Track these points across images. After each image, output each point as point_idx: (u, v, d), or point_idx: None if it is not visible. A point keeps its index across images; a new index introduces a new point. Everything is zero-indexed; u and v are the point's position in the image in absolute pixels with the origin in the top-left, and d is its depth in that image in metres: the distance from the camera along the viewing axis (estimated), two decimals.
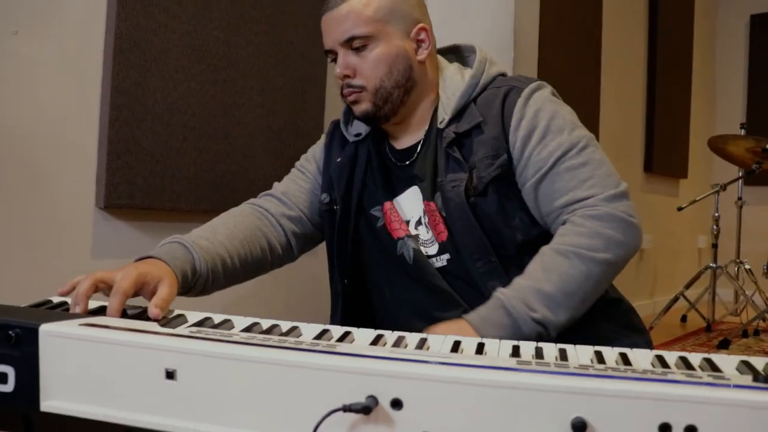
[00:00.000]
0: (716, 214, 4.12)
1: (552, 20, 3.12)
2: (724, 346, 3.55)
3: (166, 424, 0.73)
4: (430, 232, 1.26)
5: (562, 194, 1.15)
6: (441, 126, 1.24)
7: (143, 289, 1.00)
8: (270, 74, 1.98)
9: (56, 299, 1.00)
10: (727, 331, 3.89)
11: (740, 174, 4.03)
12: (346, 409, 0.67)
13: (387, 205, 1.29)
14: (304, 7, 2.06)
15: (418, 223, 1.28)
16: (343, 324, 1.22)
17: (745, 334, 3.88)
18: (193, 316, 0.96)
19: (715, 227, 4.11)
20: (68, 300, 0.98)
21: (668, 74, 4.91)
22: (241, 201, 1.88)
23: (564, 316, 1.07)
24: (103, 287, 0.97)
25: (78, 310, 0.93)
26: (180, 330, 0.83)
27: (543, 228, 1.22)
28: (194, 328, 0.85)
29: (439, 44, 1.35)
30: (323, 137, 1.43)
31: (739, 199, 4.22)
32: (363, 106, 1.24)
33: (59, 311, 0.93)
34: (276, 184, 1.43)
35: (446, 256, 1.24)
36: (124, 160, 1.64)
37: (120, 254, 1.69)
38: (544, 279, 1.07)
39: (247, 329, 0.91)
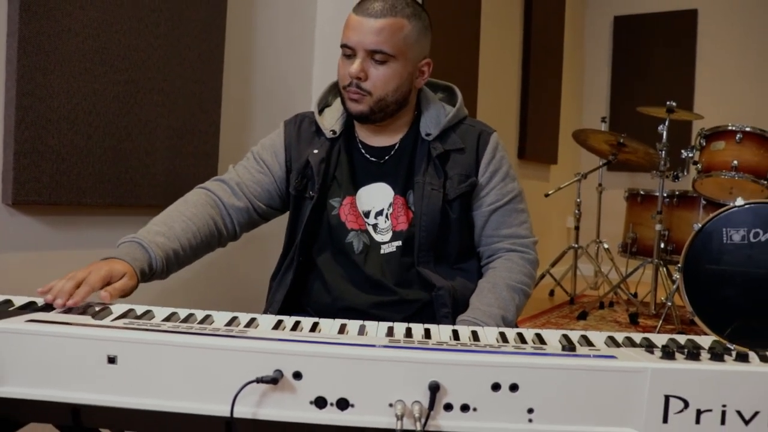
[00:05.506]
0: (578, 200, 4.56)
1: (432, 10, 3.34)
2: (582, 317, 3.96)
3: (110, 401, 0.90)
4: (389, 222, 1.51)
5: (508, 227, 1.54)
6: (428, 139, 1.50)
7: (110, 282, 1.21)
8: (169, 75, 2.09)
9: None
10: (587, 304, 4.33)
11: (600, 163, 4.46)
12: (259, 380, 0.87)
13: (348, 199, 1.52)
14: (201, 12, 2.17)
15: (379, 213, 1.52)
16: (286, 297, 1.50)
17: (601, 306, 4.35)
18: (117, 308, 1.11)
19: (577, 211, 4.55)
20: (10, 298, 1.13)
21: (541, 68, 5.27)
22: (142, 196, 2.01)
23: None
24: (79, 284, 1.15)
25: (60, 303, 1.09)
26: (110, 321, 0.99)
27: (473, 243, 1.56)
28: (126, 320, 1.01)
29: None
30: (282, 127, 1.60)
31: (600, 185, 4.67)
32: (360, 107, 1.44)
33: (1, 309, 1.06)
34: (231, 169, 1.59)
35: (397, 243, 1.50)
36: (30, 158, 1.71)
37: (26, 248, 1.77)
38: (506, 308, 1.42)
39: (168, 318, 1.08)
